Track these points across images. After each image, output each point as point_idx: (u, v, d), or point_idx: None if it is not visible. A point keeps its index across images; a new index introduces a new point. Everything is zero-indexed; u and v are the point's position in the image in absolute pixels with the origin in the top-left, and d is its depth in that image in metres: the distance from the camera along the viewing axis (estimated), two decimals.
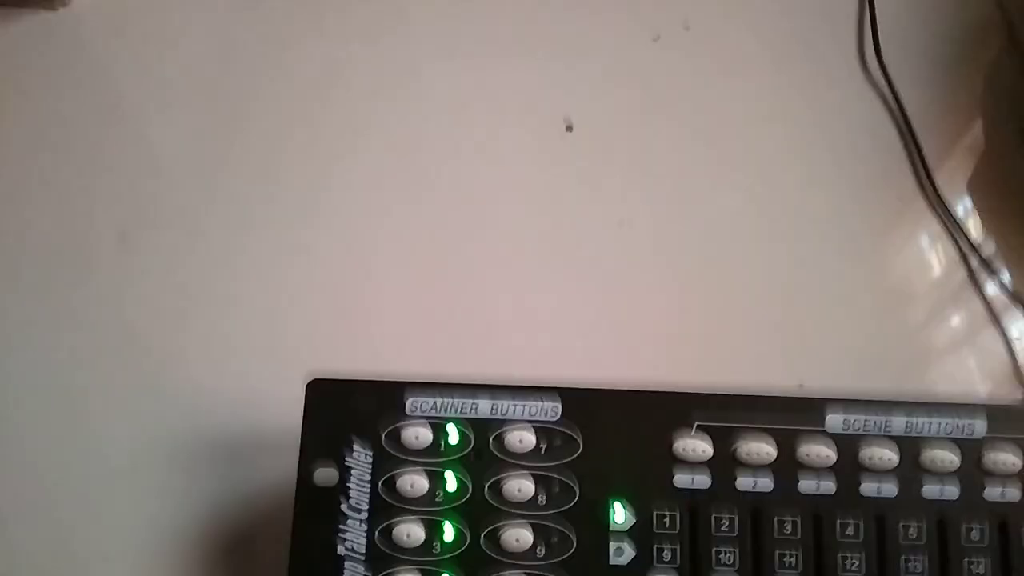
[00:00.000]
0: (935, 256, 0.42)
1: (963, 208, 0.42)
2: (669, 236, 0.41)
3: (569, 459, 0.30)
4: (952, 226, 0.42)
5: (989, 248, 0.42)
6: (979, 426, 0.31)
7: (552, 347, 0.38)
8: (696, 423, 0.31)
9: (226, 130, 0.42)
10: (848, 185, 0.42)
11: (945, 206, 0.42)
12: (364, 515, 0.30)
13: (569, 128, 0.43)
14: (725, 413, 0.31)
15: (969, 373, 0.39)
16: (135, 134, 0.42)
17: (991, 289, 0.41)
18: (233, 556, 0.35)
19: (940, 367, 0.40)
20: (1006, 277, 0.41)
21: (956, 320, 0.41)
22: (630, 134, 0.43)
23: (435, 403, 0.31)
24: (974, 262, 0.41)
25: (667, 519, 0.30)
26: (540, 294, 0.39)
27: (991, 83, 0.45)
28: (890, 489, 0.30)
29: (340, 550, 0.29)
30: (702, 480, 0.30)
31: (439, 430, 0.31)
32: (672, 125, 0.43)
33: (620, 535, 0.30)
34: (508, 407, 0.31)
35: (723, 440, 0.31)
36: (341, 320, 0.39)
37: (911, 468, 0.30)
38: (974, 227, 0.42)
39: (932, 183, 0.42)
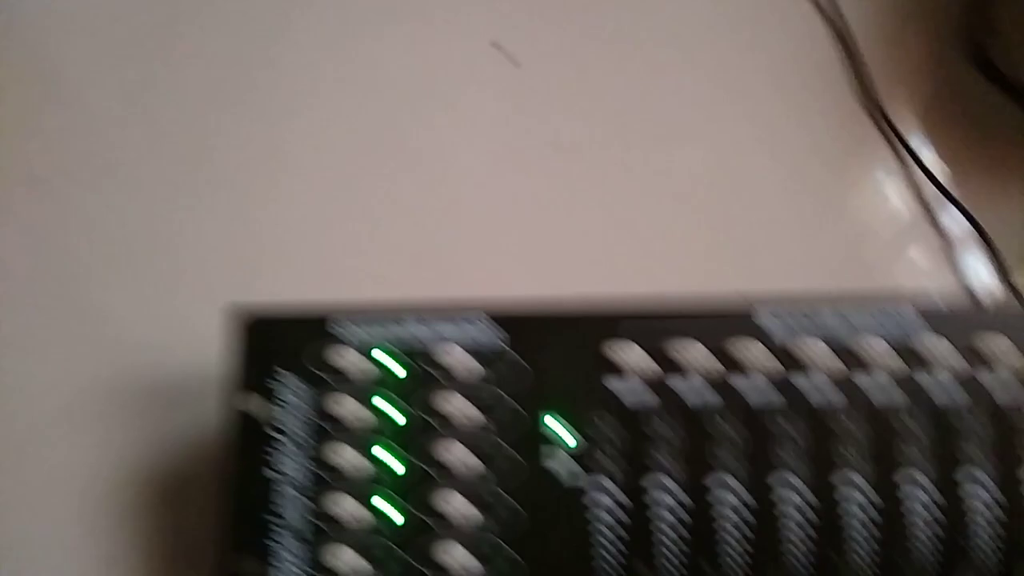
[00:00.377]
0: (879, 174, 0.42)
1: (912, 128, 0.42)
2: (606, 158, 0.40)
3: (505, 377, 0.30)
4: (897, 145, 0.42)
5: (935, 164, 0.42)
6: (910, 315, 0.31)
7: (485, 269, 0.37)
8: (629, 332, 0.31)
9: (151, 65, 0.41)
10: (789, 103, 0.42)
11: (891, 124, 0.42)
12: (299, 443, 0.29)
13: (496, 46, 0.42)
14: (658, 321, 0.31)
15: (907, 272, 0.40)
16: (58, 78, 0.41)
17: (932, 195, 0.41)
18: (168, 499, 0.34)
19: (881, 270, 0.40)
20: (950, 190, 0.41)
21: (899, 232, 0.41)
22: (566, 57, 0.42)
23: (366, 328, 0.30)
24: (919, 177, 0.41)
25: (606, 430, 0.30)
26: (473, 216, 0.39)
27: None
28: (826, 384, 0.30)
29: (276, 478, 0.29)
30: (638, 389, 0.30)
31: (374, 356, 0.30)
32: (607, 47, 0.42)
33: (559, 448, 0.30)
34: (443, 329, 0.30)
35: (657, 348, 0.30)
36: (266, 254, 0.38)
37: (847, 363, 0.30)
38: (921, 147, 0.42)
39: (878, 103, 0.42)
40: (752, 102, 0.42)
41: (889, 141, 0.42)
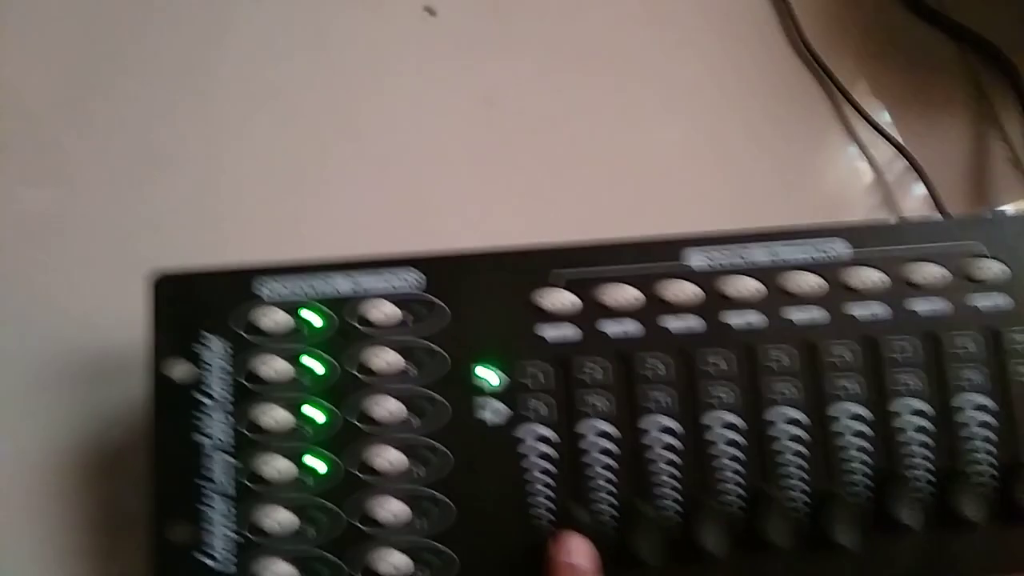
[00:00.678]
0: (813, 113, 0.41)
1: (845, 66, 0.42)
2: (535, 113, 0.40)
3: (435, 327, 0.30)
4: (828, 83, 0.41)
5: (869, 101, 0.41)
6: (841, 247, 0.31)
7: (413, 222, 0.37)
8: (558, 276, 0.30)
9: (78, 39, 0.40)
10: (721, 44, 0.42)
11: (822, 64, 0.41)
12: (227, 405, 0.29)
13: (429, 11, 0.42)
14: (586, 263, 0.30)
15: (844, 215, 0.40)
16: None
17: (867, 136, 0.41)
18: (102, 472, 0.34)
19: (818, 212, 0.40)
20: (885, 118, 0.41)
21: (834, 170, 0.41)
22: (491, 15, 0.41)
23: (291, 286, 0.30)
24: (852, 114, 0.41)
25: (537, 375, 0.30)
26: (400, 171, 0.38)
27: None
28: (757, 319, 0.30)
29: (204, 442, 0.29)
30: (569, 332, 0.30)
31: (297, 312, 0.30)
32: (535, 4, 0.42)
33: (492, 396, 0.29)
34: (368, 282, 0.30)
35: (587, 290, 0.30)
36: (192, 220, 0.37)
37: (776, 296, 0.30)
38: (854, 84, 0.42)
39: (809, 45, 0.42)
40: (681, 44, 0.42)
41: (820, 80, 0.42)
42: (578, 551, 0.27)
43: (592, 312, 0.30)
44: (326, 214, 0.37)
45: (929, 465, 0.29)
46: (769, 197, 0.39)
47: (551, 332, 0.30)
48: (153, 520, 0.28)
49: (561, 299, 0.30)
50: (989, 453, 0.29)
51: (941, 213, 0.38)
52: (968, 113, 0.42)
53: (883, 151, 0.41)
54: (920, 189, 0.39)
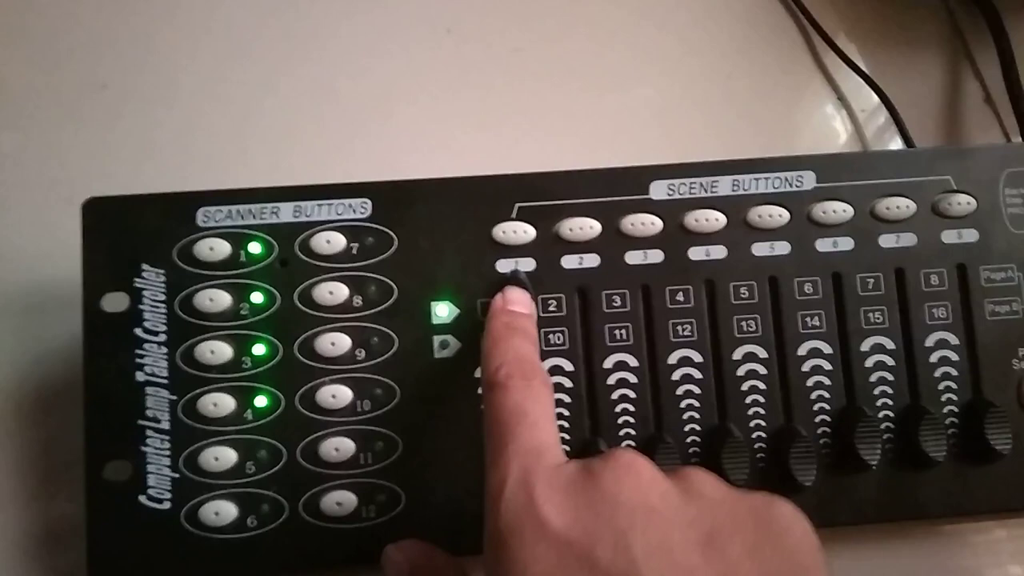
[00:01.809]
0: (785, 48, 0.40)
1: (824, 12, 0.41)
2: (496, 43, 0.38)
3: (383, 257, 0.28)
4: (801, 18, 0.40)
5: (841, 36, 0.40)
6: (807, 178, 0.29)
7: (368, 153, 0.35)
8: (516, 206, 0.29)
9: None
10: None
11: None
12: (162, 338, 0.27)
13: None
14: (545, 193, 0.29)
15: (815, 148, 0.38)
16: None
17: (840, 72, 0.40)
18: (42, 412, 0.32)
19: (788, 146, 0.39)
20: (858, 55, 0.40)
21: (805, 106, 0.40)
22: None
23: (230, 212, 0.28)
24: (824, 48, 0.40)
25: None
26: (356, 101, 0.36)
27: None
28: (719, 251, 0.29)
29: (139, 376, 0.27)
30: (526, 264, 0.29)
31: (238, 241, 0.28)
32: None
33: (444, 329, 0.28)
34: (311, 209, 0.28)
35: (545, 220, 0.29)
36: (133, 148, 0.35)
37: (739, 228, 0.29)
38: (823, 14, 0.40)
39: None
40: None
41: (793, 15, 0.40)
42: (519, 299, 0.27)
43: (549, 243, 0.29)
44: (276, 145, 0.35)
45: (891, 401, 0.29)
46: (739, 132, 0.38)
47: (505, 264, 0.29)
48: (87, 458, 0.27)
49: (516, 229, 0.29)
50: (952, 389, 0.29)
51: (909, 147, 0.37)
52: (942, 50, 0.41)
53: (856, 87, 0.40)
54: (892, 127, 0.38)
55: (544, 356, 0.28)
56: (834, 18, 0.41)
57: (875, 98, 0.39)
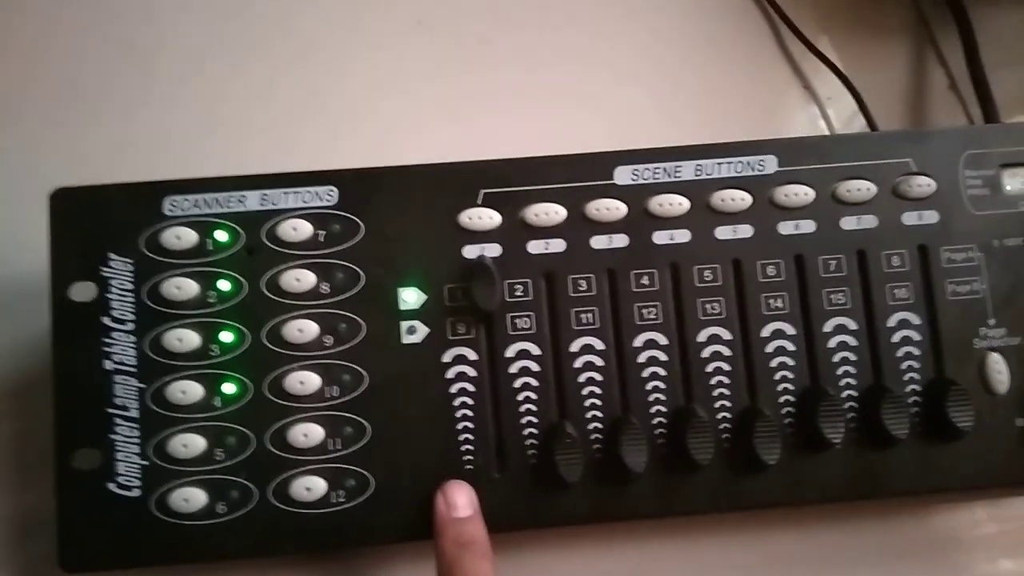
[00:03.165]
0: (752, 35, 0.40)
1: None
2: (464, 32, 0.38)
3: (350, 244, 0.29)
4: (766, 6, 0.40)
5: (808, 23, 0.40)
6: (769, 162, 0.30)
7: (336, 142, 0.35)
8: (481, 192, 0.29)
9: None
10: None
11: None
12: (129, 327, 0.28)
13: None
14: (510, 179, 0.29)
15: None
16: None
17: (806, 58, 0.40)
18: (10, 406, 0.32)
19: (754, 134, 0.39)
20: (823, 40, 0.40)
21: (771, 91, 0.40)
22: None
23: (196, 200, 0.28)
24: (790, 36, 0.40)
25: (457, 293, 0.29)
26: (326, 90, 0.37)
27: None
28: (683, 235, 0.29)
29: (107, 365, 0.27)
30: (492, 249, 0.29)
31: (205, 229, 0.28)
32: None
33: (411, 315, 0.28)
34: (278, 197, 0.29)
35: (510, 206, 0.29)
36: (99, 144, 0.35)
37: (703, 213, 0.29)
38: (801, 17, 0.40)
39: None
40: None
41: (760, 5, 0.41)
42: (461, 503, 0.27)
43: (515, 229, 0.29)
44: (246, 138, 0.35)
45: (853, 381, 0.29)
46: (703, 116, 0.38)
47: (472, 249, 0.29)
48: (57, 446, 0.27)
49: (482, 215, 0.29)
50: (914, 369, 0.29)
51: (872, 130, 0.38)
52: (908, 38, 0.41)
53: (822, 75, 0.40)
54: (859, 115, 0.39)
55: (511, 340, 0.28)
56: (801, 6, 0.41)
57: (841, 86, 0.39)
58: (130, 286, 0.28)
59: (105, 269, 0.28)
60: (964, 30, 0.39)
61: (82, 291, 0.28)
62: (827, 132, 0.39)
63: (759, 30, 0.41)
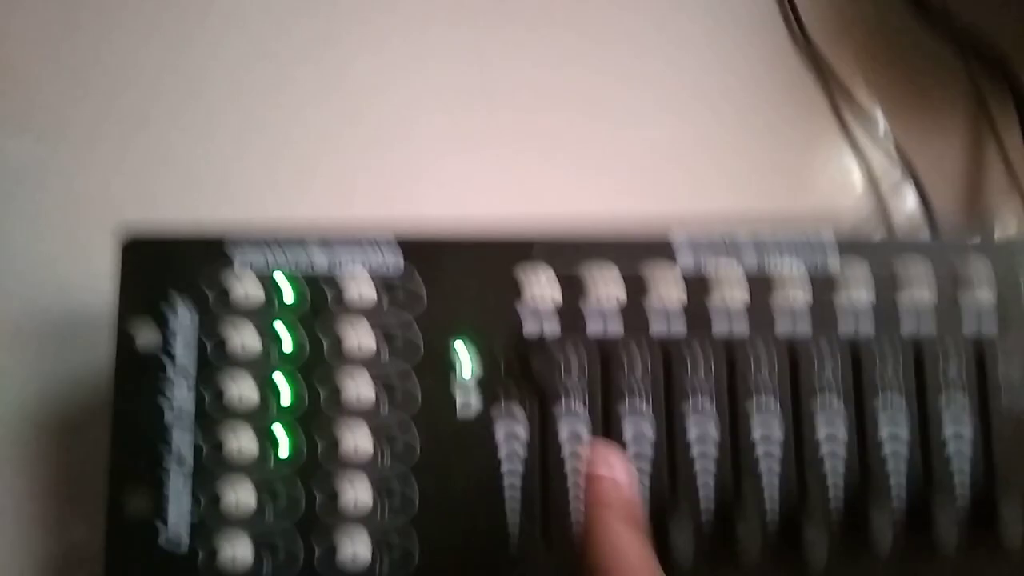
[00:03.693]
0: (812, 114, 0.41)
1: (847, 69, 0.41)
2: (526, 87, 0.39)
3: (412, 311, 0.29)
4: (831, 85, 0.41)
5: (869, 104, 0.41)
6: (833, 259, 0.30)
7: (395, 190, 0.35)
8: (545, 267, 0.29)
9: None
10: (722, 41, 0.41)
11: (825, 65, 0.40)
12: (191, 375, 0.28)
13: None
14: (574, 256, 0.29)
15: (835, 217, 0.39)
16: None
17: (863, 138, 0.40)
18: (67, 437, 0.33)
19: (810, 214, 0.39)
20: (880, 127, 0.40)
21: (830, 171, 0.40)
22: None
23: (266, 257, 0.29)
24: (852, 117, 0.40)
25: (516, 369, 0.29)
26: (385, 139, 0.37)
27: None
28: (742, 324, 0.29)
29: (167, 414, 0.28)
30: (550, 327, 0.29)
31: (271, 286, 0.29)
32: None
33: (467, 386, 0.29)
34: (347, 257, 0.29)
35: (571, 284, 0.29)
36: (169, 178, 0.36)
37: (763, 303, 0.29)
38: (855, 87, 0.41)
39: (812, 44, 0.41)
40: (680, 30, 0.41)
41: (820, 78, 0.41)
42: (616, 463, 0.26)
43: (575, 307, 0.29)
44: (304, 176, 0.36)
45: (904, 487, 0.29)
46: (760, 192, 0.39)
47: (531, 324, 0.29)
48: (109, 488, 0.28)
49: (544, 291, 0.29)
50: (965, 479, 0.29)
51: (932, 224, 0.38)
52: (967, 122, 0.41)
53: (878, 153, 0.40)
54: (910, 187, 0.39)
55: (565, 421, 0.29)
56: (855, 75, 0.41)
57: (894, 157, 0.39)
58: (195, 337, 0.28)
59: (171, 316, 0.28)
60: (1021, 108, 0.39)
61: (147, 338, 0.28)
62: (877, 203, 0.40)
63: (812, 96, 0.41)
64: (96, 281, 0.31)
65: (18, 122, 0.36)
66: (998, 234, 0.37)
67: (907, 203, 0.40)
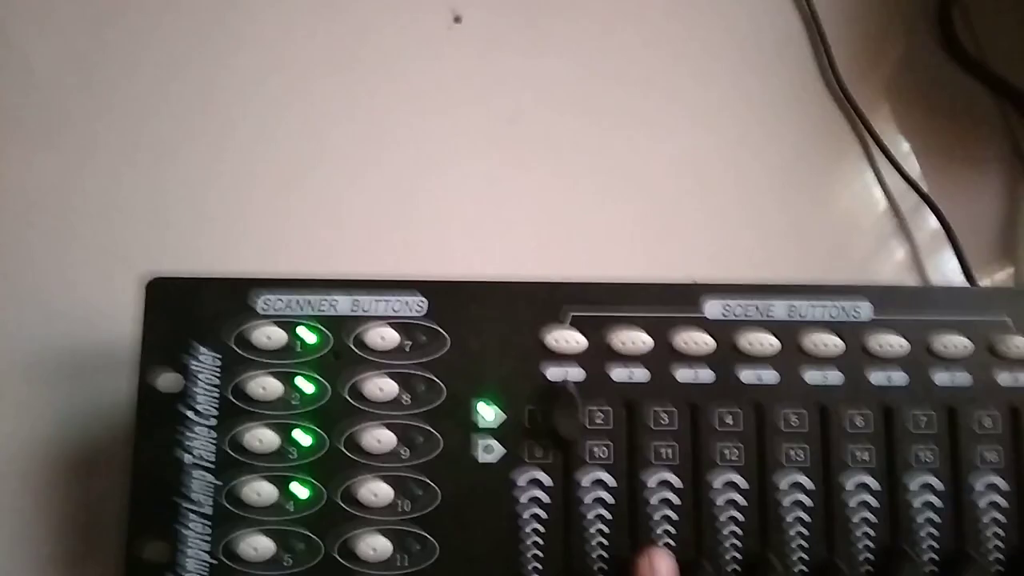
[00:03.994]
0: (846, 163, 0.40)
1: (880, 115, 0.41)
2: (557, 138, 0.39)
3: (435, 356, 0.29)
4: (863, 132, 0.40)
5: (902, 150, 0.40)
6: (864, 309, 0.29)
7: (420, 241, 0.35)
8: (569, 314, 0.29)
9: (88, 36, 0.39)
10: (754, 86, 0.41)
11: (859, 113, 0.40)
12: (212, 421, 0.28)
13: (457, 19, 0.40)
14: (598, 303, 0.29)
15: (869, 266, 0.38)
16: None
17: (897, 186, 0.40)
18: (81, 475, 0.33)
19: (842, 260, 0.39)
20: (915, 170, 0.40)
21: (859, 214, 0.40)
22: (519, 24, 0.40)
23: (288, 301, 0.29)
24: (878, 156, 0.40)
25: (538, 415, 0.28)
26: (413, 187, 0.37)
27: None
28: (771, 376, 0.29)
29: (186, 458, 0.27)
30: (575, 374, 0.29)
31: (293, 330, 0.28)
32: (564, 17, 0.41)
33: (487, 433, 0.28)
34: (368, 303, 0.29)
35: (596, 331, 0.29)
36: (192, 224, 0.36)
37: (793, 354, 0.29)
38: (888, 133, 0.40)
39: (846, 90, 0.40)
40: (711, 69, 0.41)
41: (852, 123, 0.40)
42: (665, 571, 0.27)
43: (600, 354, 0.29)
44: (329, 226, 0.36)
45: (935, 544, 0.28)
46: (789, 237, 0.38)
47: (556, 372, 0.29)
48: (126, 535, 0.27)
49: (568, 338, 0.29)
50: (998, 536, 0.28)
51: (965, 270, 0.37)
52: (1002, 170, 0.41)
53: (910, 200, 0.40)
54: (947, 244, 0.38)
55: (587, 468, 0.28)
56: (893, 130, 0.41)
57: (930, 213, 0.39)
58: (216, 381, 0.28)
59: (193, 362, 0.28)
60: None
61: (168, 381, 0.28)
62: (913, 260, 0.39)
63: (850, 151, 0.40)
64: (120, 312, 0.31)
65: (52, 160, 0.37)
66: None
67: (940, 253, 0.39)
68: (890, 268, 0.39)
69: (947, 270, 0.39)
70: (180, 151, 0.37)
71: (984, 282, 0.38)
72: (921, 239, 0.39)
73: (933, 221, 0.38)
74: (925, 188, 0.39)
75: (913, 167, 0.40)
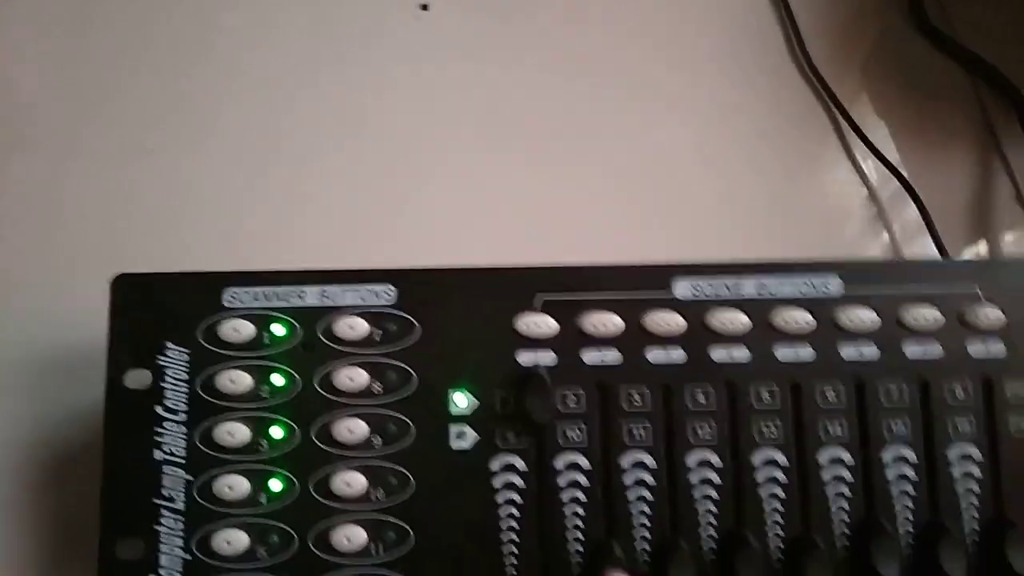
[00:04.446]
0: (816, 140, 0.40)
1: (851, 92, 0.41)
2: (528, 128, 0.39)
3: (406, 345, 0.28)
4: (834, 109, 0.40)
5: (874, 127, 0.40)
6: (834, 285, 0.29)
7: (394, 236, 0.35)
8: (540, 299, 0.29)
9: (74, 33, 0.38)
10: (724, 67, 0.40)
11: (828, 89, 0.40)
12: (182, 417, 0.28)
13: (424, 7, 0.40)
14: (569, 288, 0.29)
15: (848, 247, 0.38)
16: None
17: (873, 167, 0.40)
18: (56, 479, 0.32)
19: (820, 241, 0.39)
20: (889, 148, 0.40)
21: (834, 199, 0.40)
22: (489, 13, 0.40)
23: (256, 294, 0.28)
24: (856, 142, 0.40)
25: (511, 401, 0.28)
26: (386, 182, 0.37)
27: None
28: (742, 354, 0.29)
29: (157, 455, 0.27)
30: (547, 358, 0.29)
31: (262, 323, 0.28)
32: (535, 6, 0.41)
33: (461, 419, 0.28)
34: (337, 294, 0.29)
35: (568, 315, 0.29)
36: (166, 222, 0.36)
37: (764, 332, 0.29)
38: (858, 110, 0.40)
39: (815, 68, 0.40)
40: (681, 57, 0.40)
41: (822, 101, 0.40)
42: None
43: (572, 338, 0.29)
44: (302, 223, 0.36)
45: (911, 516, 0.28)
46: (762, 218, 0.38)
47: (528, 357, 0.29)
48: (102, 534, 0.27)
49: (540, 323, 0.29)
50: (974, 507, 0.28)
51: (938, 247, 0.37)
52: (973, 144, 0.41)
53: (882, 176, 0.40)
54: (917, 218, 0.38)
55: (561, 452, 0.28)
56: (864, 106, 0.41)
57: (902, 188, 0.39)
58: (185, 376, 0.28)
59: (161, 358, 0.28)
60: None
61: (137, 379, 0.28)
62: (886, 235, 0.39)
63: (819, 127, 0.40)
64: (86, 319, 0.31)
65: (28, 159, 0.36)
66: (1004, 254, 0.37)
67: (912, 228, 0.39)
68: (868, 248, 0.39)
69: (924, 246, 0.39)
70: (155, 152, 0.37)
71: (959, 256, 0.38)
72: (892, 213, 0.39)
73: (904, 196, 0.38)
74: (901, 169, 0.39)
75: (887, 146, 0.40)
